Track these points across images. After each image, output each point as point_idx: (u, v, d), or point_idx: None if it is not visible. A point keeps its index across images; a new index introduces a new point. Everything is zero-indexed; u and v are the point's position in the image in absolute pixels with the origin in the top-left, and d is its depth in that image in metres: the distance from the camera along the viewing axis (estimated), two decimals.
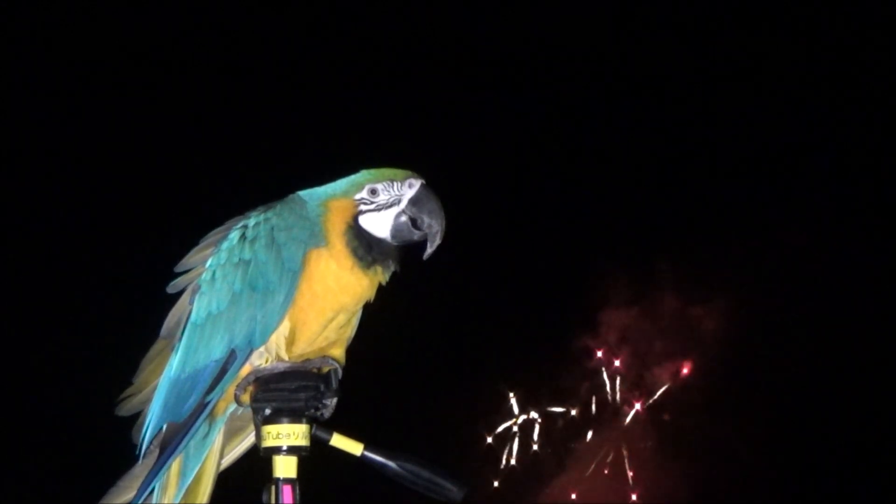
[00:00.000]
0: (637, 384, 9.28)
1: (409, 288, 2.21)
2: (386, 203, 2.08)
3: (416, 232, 2.09)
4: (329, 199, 2.09)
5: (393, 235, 2.08)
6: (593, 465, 9.19)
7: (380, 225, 2.08)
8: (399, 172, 2.11)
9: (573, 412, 9.38)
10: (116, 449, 2.29)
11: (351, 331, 2.16)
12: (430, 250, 2.10)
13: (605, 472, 9.18)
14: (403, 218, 2.08)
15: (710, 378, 8.76)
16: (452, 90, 7.66)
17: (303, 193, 2.13)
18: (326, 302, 2.05)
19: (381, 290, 2.12)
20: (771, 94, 7.94)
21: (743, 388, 8.44)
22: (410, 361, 7.57)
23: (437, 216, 2.09)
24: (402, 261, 2.11)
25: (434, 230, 2.09)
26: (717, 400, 8.63)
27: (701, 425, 8.75)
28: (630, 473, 9.15)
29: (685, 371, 9.07)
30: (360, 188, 2.09)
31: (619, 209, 8.28)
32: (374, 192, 2.09)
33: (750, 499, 8.56)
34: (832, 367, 8.04)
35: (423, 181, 2.11)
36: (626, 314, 9.00)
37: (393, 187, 2.09)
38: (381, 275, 2.09)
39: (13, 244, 6.67)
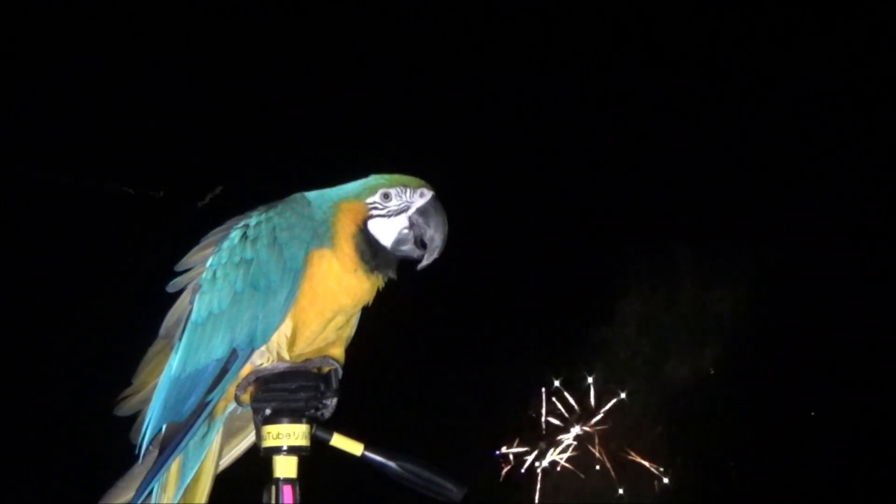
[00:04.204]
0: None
1: (411, 286, 2.21)
2: (396, 209, 2.09)
3: (417, 250, 2.10)
4: (341, 200, 2.09)
5: (393, 247, 2.09)
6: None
7: (386, 233, 2.08)
8: (413, 180, 2.12)
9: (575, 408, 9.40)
10: (115, 449, 2.28)
11: (350, 330, 2.16)
12: (426, 262, 2.11)
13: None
14: (408, 231, 2.09)
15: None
16: (470, 76, 7.64)
17: (311, 194, 2.13)
18: (326, 302, 2.05)
19: (382, 290, 2.12)
20: (790, 82, 7.89)
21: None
22: (411, 361, 7.57)
23: (441, 230, 2.09)
24: (398, 268, 2.12)
25: (435, 244, 2.09)
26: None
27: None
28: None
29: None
30: (373, 192, 2.10)
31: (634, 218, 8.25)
32: (386, 196, 2.09)
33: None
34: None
35: (434, 193, 2.12)
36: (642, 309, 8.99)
37: (405, 194, 2.10)
38: (381, 280, 2.10)
39: (12, 244, 6.65)
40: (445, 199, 2.13)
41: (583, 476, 9.29)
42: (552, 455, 9.34)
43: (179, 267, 2.18)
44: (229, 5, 7.18)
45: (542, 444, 9.39)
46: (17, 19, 6.66)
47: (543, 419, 9.37)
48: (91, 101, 6.85)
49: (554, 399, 9.43)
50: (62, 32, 6.88)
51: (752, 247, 8.03)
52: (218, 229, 2.17)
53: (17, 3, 6.65)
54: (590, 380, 9.37)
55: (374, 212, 2.08)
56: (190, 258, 2.18)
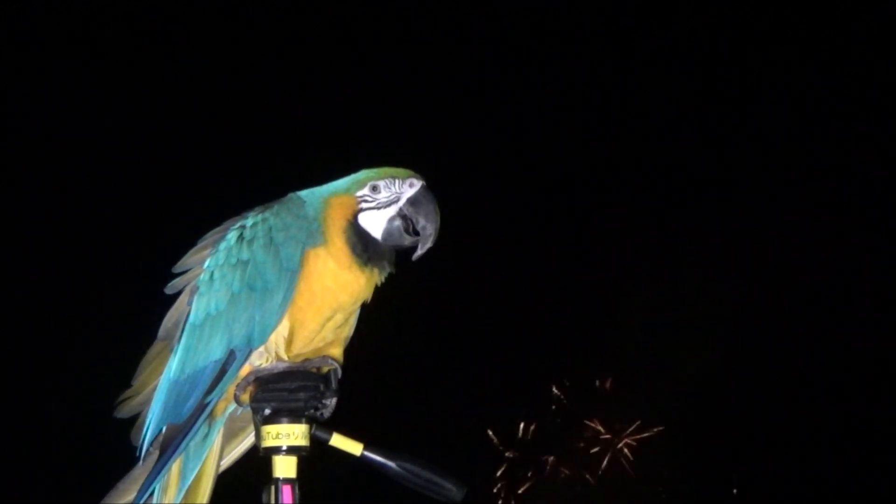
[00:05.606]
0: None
1: (410, 285, 2.21)
2: (386, 201, 2.09)
3: (407, 237, 2.10)
4: (331, 195, 2.10)
5: (385, 239, 2.09)
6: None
7: (377, 224, 2.09)
8: (401, 171, 2.12)
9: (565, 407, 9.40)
10: (116, 451, 2.29)
11: (349, 330, 2.16)
12: (420, 252, 2.11)
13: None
14: (397, 221, 2.09)
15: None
16: (474, 64, 7.61)
17: (303, 193, 2.13)
18: (324, 301, 2.05)
19: (381, 289, 2.13)
20: (794, 80, 7.86)
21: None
22: (411, 361, 7.57)
23: (433, 219, 2.10)
24: (395, 262, 2.12)
25: (428, 232, 2.10)
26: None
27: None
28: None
29: None
30: (362, 185, 2.10)
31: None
32: (375, 189, 2.10)
33: None
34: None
35: (424, 183, 2.12)
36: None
37: (394, 185, 2.10)
38: (377, 275, 2.10)
39: (11, 245, 6.65)
40: (447, 197, 2.13)
41: (590, 479, 9.29)
42: (557, 459, 9.34)
43: (177, 269, 2.18)
44: (226, 6, 7.18)
45: (550, 443, 9.38)
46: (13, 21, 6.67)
47: (548, 421, 9.36)
48: (90, 101, 6.86)
49: (562, 399, 9.42)
50: (61, 33, 6.88)
51: (758, 246, 7.99)
52: (215, 230, 2.17)
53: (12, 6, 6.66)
54: (596, 381, 9.36)
55: (364, 205, 2.08)
56: (187, 260, 2.18)
